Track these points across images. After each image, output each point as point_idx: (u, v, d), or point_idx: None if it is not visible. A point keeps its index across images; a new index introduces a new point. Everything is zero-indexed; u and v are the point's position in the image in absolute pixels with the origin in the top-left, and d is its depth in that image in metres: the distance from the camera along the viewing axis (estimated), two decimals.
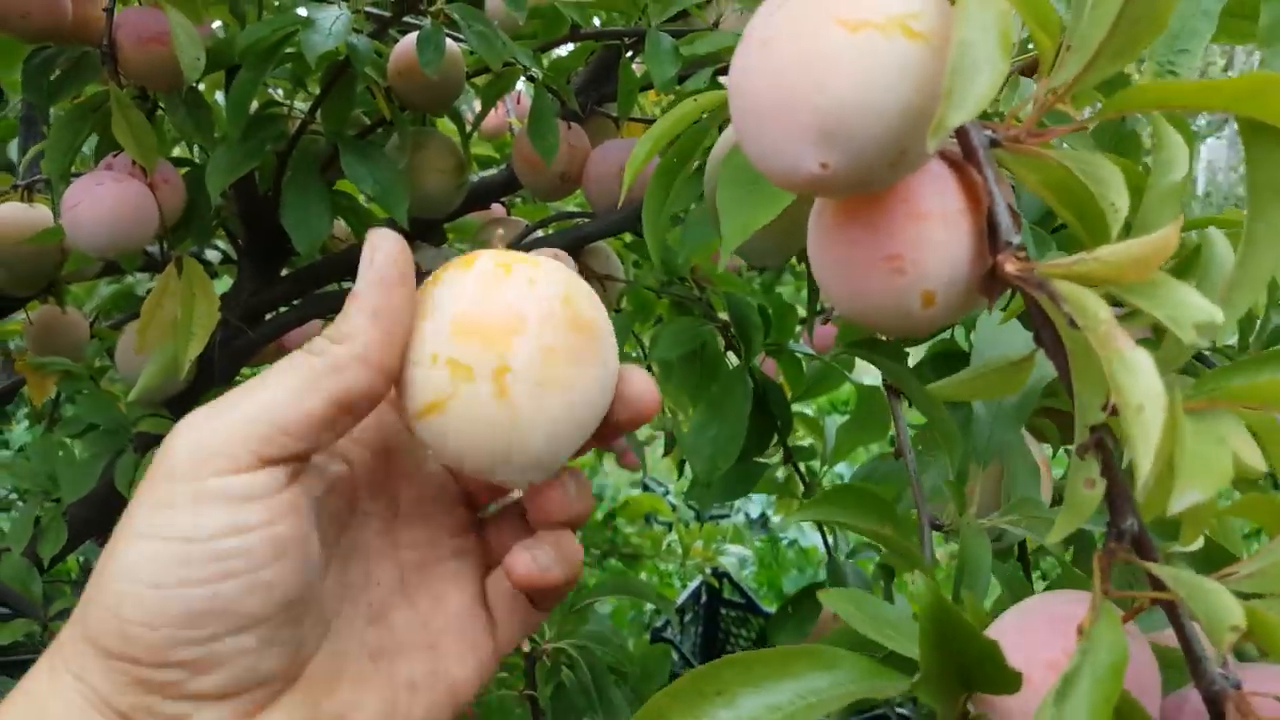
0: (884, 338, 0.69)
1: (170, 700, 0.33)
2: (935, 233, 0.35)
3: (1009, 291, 0.36)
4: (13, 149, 1.50)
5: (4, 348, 1.37)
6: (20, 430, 2.60)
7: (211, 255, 1.40)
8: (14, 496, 1.45)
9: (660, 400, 0.40)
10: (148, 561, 0.33)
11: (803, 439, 1.31)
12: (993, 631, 0.37)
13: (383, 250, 0.36)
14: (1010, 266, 0.34)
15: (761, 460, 0.99)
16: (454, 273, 0.38)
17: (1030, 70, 0.53)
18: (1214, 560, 0.40)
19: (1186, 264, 0.35)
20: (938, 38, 0.32)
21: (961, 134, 0.36)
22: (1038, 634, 0.35)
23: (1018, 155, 0.36)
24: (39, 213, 1.12)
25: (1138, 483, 0.28)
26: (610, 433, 0.40)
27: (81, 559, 1.49)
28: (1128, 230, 0.36)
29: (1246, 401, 0.31)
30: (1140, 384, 0.28)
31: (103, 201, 0.87)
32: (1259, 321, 0.83)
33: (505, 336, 0.36)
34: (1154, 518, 0.31)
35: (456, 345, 0.36)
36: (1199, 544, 0.36)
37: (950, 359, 0.71)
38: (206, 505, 0.33)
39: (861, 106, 0.31)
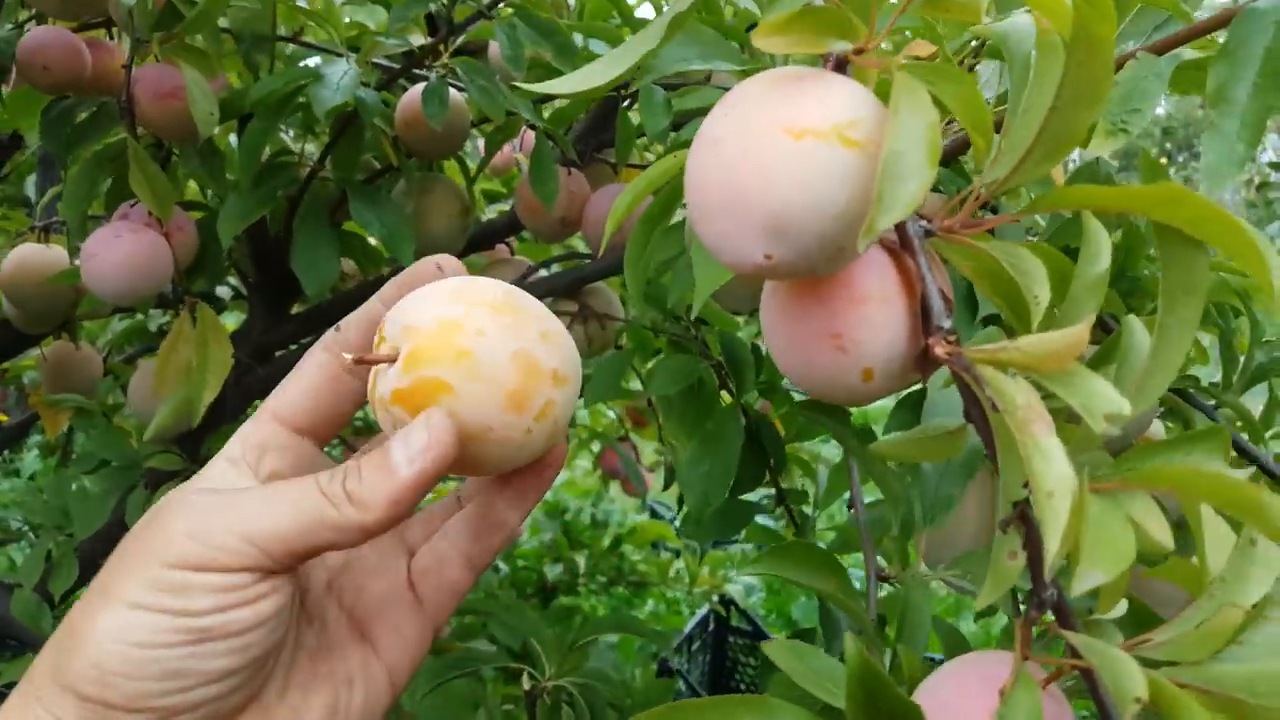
0: None
1: None
2: (873, 315, 0.38)
3: None
4: (30, 185, 1.54)
5: (18, 383, 1.41)
6: (31, 458, 2.64)
7: (222, 292, 1.44)
8: (26, 528, 1.48)
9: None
10: (136, 627, 0.36)
11: (800, 476, 1.33)
12: (928, 685, 0.39)
13: (437, 446, 0.37)
14: (940, 350, 0.36)
15: (749, 499, 1.01)
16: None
17: (963, 148, 0.55)
18: (1142, 622, 0.42)
19: (1108, 349, 0.38)
20: (873, 144, 0.35)
21: (899, 225, 0.39)
22: (968, 691, 0.38)
23: (952, 244, 0.39)
24: (55, 253, 1.16)
25: (1046, 563, 0.30)
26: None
27: None
28: (1054, 314, 0.38)
29: (1154, 484, 0.34)
30: (1052, 470, 0.31)
31: (120, 253, 0.91)
32: (1242, 359, 0.85)
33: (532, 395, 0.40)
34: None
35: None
36: (1123, 608, 0.38)
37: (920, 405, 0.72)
38: (197, 593, 0.37)
39: (802, 207, 0.34)
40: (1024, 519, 0.35)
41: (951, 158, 0.63)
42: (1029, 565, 0.35)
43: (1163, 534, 0.34)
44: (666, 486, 1.53)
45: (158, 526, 0.38)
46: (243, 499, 0.38)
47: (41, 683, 0.37)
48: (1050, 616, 0.36)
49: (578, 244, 1.47)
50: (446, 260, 0.44)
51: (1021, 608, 0.78)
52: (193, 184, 1.28)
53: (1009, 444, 0.34)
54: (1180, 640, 0.35)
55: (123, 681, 0.36)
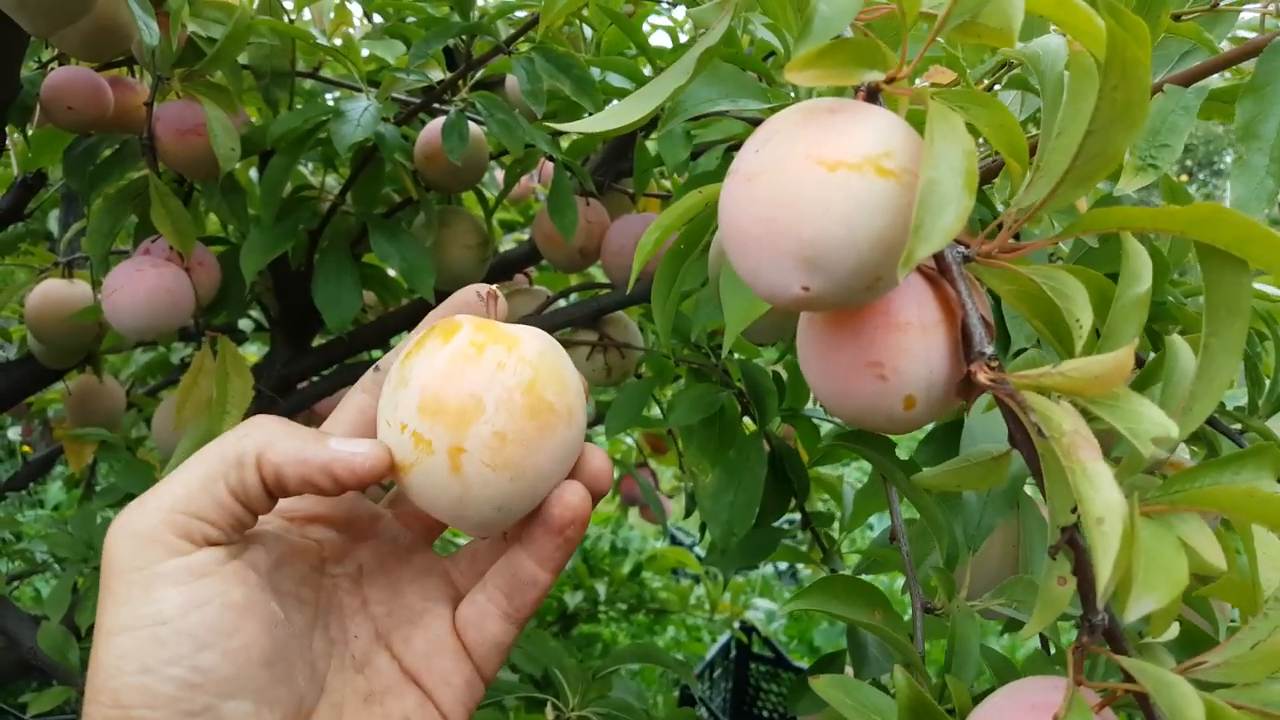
0: None
1: None
2: (914, 342, 0.38)
3: None
4: (53, 220, 1.56)
5: (43, 416, 1.41)
6: (55, 489, 2.66)
7: (244, 324, 1.44)
8: (51, 560, 1.49)
9: (611, 476, 0.44)
10: (130, 654, 0.36)
11: (824, 497, 1.32)
12: (978, 715, 0.39)
13: (370, 459, 0.40)
14: (983, 376, 0.36)
15: (778, 526, 1.00)
16: (434, 343, 0.41)
17: (995, 172, 0.55)
18: (1196, 643, 0.41)
19: (1152, 370, 0.37)
20: (908, 174, 0.35)
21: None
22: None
23: (991, 269, 0.39)
24: (78, 289, 1.17)
25: (1098, 590, 0.30)
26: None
27: None
28: (1097, 335, 0.38)
29: (1205, 507, 0.34)
30: (1100, 496, 0.31)
31: (141, 288, 0.92)
32: (1269, 383, 0.84)
33: (463, 419, 0.39)
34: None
35: (421, 420, 0.40)
36: (1175, 630, 0.38)
37: (957, 432, 0.72)
38: (160, 589, 0.37)
39: (837, 240, 0.34)
40: (1072, 544, 0.35)
41: (983, 183, 0.63)
42: (1079, 590, 0.35)
43: (1215, 556, 0.33)
44: (688, 514, 1.53)
45: (105, 551, 0.38)
46: (160, 483, 0.39)
47: None
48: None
49: (596, 274, 1.47)
50: (486, 289, 0.45)
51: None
52: (214, 219, 1.29)
53: (1055, 470, 0.34)
54: (1235, 662, 0.34)
55: (148, 713, 0.35)
